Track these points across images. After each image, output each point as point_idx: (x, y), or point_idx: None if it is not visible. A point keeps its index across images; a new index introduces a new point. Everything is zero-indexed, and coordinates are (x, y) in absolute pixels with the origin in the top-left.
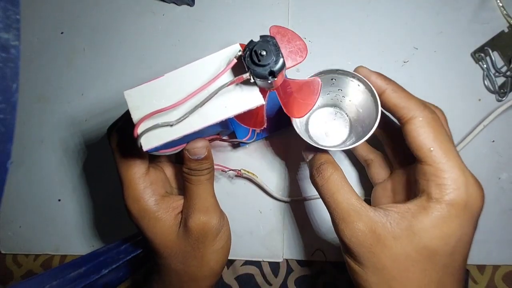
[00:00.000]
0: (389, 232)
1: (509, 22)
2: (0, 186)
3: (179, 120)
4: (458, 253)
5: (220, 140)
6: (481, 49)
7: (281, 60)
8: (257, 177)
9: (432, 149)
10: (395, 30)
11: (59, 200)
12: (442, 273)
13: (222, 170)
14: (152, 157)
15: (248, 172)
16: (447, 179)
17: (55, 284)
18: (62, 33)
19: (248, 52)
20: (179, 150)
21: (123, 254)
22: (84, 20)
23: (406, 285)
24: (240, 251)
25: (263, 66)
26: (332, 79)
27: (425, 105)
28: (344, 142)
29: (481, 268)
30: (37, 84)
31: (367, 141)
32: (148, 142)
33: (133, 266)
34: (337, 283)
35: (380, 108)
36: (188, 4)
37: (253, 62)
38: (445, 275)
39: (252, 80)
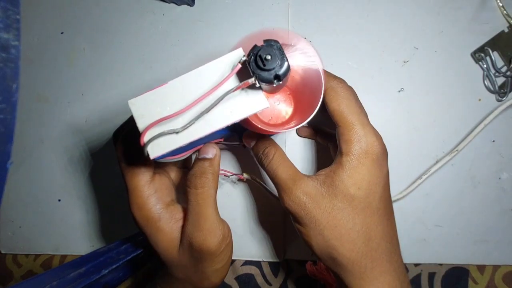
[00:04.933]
0: (318, 191)
1: (509, 22)
2: (0, 186)
3: (184, 127)
4: (373, 195)
5: (223, 144)
6: (481, 49)
7: (286, 64)
8: (260, 181)
9: (338, 113)
10: (395, 30)
11: (59, 200)
12: (363, 215)
13: (225, 175)
14: (157, 163)
15: (250, 175)
16: (351, 134)
17: (55, 284)
18: (62, 33)
19: (252, 57)
20: (185, 156)
21: (123, 254)
22: (84, 20)
23: (334, 231)
24: (240, 251)
25: (268, 70)
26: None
27: (334, 77)
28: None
29: (481, 268)
30: (37, 84)
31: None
32: (154, 150)
33: (133, 266)
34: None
35: (323, 87)
36: (188, 4)
37: (258, 66)
38: (367, 217)
39: (257, 85)
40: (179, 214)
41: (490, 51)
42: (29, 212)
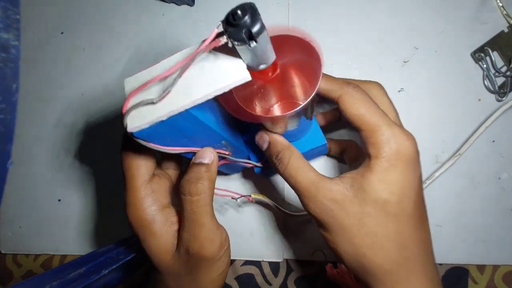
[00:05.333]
0: (346, 196)
1: (509, 22)
2: (0, 186)
3: (161, 97)
4: (406, 200)
5: (230, 161)
6: (481, 49)
7: (259, 21)
8: (268, 198)
9: (360, 117)
10: (395, 30)
11: (59, 200)
12: (397, 222)
13: (232, 198)
14: (159, 164)
15: (258, 195)
16: (378, 136)
17: (55, 284)
18: (62, 33)
19: (225, 18)
20: (173, 151)
21: (123, 254)
22: (84, 20)
23: (365, 239)
24: (240, 251)
25: (239, 26)
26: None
27: (347, 82)
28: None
29: (481, 268)
30: (37, 84)
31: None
32: (133, 122)
33: (133, 266)
34: (337, 283)
35: (322, 69)
36: (188, 4)
37: (229, 23)
38: (400, 224)
39: (230, 44)
40: (174, 218)
41: (490, 51)
42: (29, 212)
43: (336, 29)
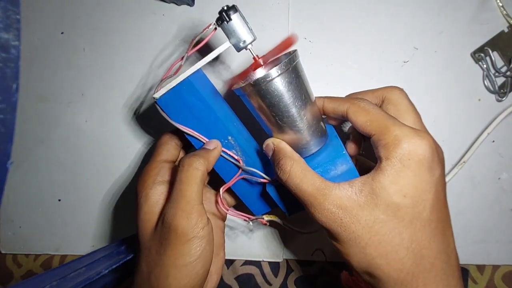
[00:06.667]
0: (355, 202)
1: (509, 22)
2: (0, 186)
3: (176, 71)
4: (422, 204)
5: (245, 177)
6: (481, 49)
7: (233, 8)
8: (284, 221)
9: (368, 122)
10: (395, 30)
11: (59, 200)
12: (412, 229)
13: (244, 219)
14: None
15: (270, 217)
16: (388, 137)
17: (55, 284)
18: (62, 33)
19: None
20: (187, 132)
21: (123, 254)
22: (84, 20)
23: (378, 248)
24: (240, 251)
25: (220, 13)
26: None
27: (351, 97)
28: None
29: (481, 268)
30: (37, 84)
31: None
32: (160, 91)
33: (133, 266)
34: (337, 283)
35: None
36: (188, 4)
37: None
38: (416, 231)
39: (216, 26)
40: (167, 195)
41: (490, 51)
42: (29, 212)
43: (336, 29)
